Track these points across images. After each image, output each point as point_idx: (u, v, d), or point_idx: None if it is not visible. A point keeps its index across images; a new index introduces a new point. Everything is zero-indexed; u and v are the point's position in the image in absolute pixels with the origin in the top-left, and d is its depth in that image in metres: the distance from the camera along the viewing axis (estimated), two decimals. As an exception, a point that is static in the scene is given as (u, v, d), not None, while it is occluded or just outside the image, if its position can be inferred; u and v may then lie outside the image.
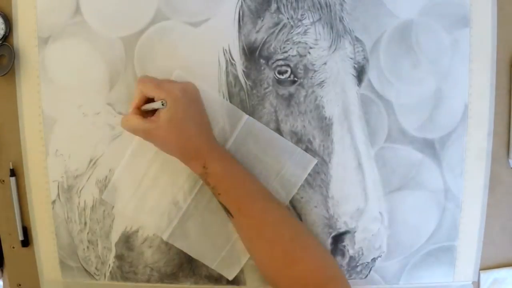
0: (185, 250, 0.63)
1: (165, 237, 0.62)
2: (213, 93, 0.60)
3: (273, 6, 0.59)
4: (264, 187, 0.59)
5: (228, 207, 0.56)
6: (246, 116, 0.60)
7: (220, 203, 0.56)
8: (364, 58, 0.59)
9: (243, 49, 0.60)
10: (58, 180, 0.63)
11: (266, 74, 0.60)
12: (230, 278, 0.63)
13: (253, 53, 0.59)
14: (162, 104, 0.54)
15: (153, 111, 0.56)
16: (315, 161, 0.60)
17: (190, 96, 0.56)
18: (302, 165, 0.60)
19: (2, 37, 0.61)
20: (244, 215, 0.55)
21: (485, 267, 0.63)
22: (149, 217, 0.63)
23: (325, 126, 0.60)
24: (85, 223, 0.64)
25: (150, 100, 0.56)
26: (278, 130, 0.60)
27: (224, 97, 0.60)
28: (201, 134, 0.56)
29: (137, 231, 0.63)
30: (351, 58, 0.59)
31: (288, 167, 0.60)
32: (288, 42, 0.59)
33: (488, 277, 0.63)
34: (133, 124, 0.56)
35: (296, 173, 0.60)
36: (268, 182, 0.60)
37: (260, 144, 0.60)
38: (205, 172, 0.55)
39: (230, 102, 0.60)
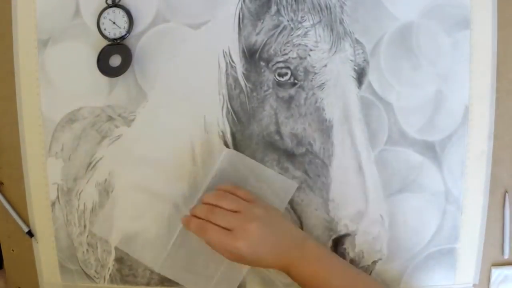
0: (177, 280, 0.62)
1: (156, 269, 0.61)
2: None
3: (273, 8, 0.59)
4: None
5: None
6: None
7: None
8: (365, 60, 0.59)
9: (243, 51, 0.59)
10: (57, 182, 0.63)
11: (266, 76, 0.59)
12: None
13: (253, 56, 0.59)
14: None
15: None
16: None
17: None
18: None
19: None
20: None
21: (486, 268, 0.63)
22: (142, 249, 0.62)
23: (326, 128, 0.59)
24: (85, 226, 0.63)
25: None
26: (278, 133, 0.60)
27: (224, 99, 0.60)
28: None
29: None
30: (351, 60, 0.59)
31: None
32: (288, 44, 0.59)
33: (491, 277, 0.63)
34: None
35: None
36: None
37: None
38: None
39: (230, 104, 0.60)
